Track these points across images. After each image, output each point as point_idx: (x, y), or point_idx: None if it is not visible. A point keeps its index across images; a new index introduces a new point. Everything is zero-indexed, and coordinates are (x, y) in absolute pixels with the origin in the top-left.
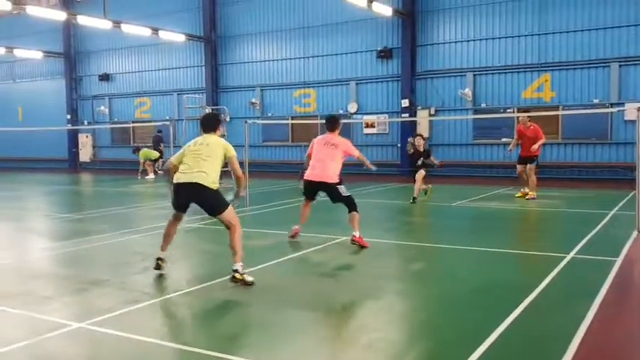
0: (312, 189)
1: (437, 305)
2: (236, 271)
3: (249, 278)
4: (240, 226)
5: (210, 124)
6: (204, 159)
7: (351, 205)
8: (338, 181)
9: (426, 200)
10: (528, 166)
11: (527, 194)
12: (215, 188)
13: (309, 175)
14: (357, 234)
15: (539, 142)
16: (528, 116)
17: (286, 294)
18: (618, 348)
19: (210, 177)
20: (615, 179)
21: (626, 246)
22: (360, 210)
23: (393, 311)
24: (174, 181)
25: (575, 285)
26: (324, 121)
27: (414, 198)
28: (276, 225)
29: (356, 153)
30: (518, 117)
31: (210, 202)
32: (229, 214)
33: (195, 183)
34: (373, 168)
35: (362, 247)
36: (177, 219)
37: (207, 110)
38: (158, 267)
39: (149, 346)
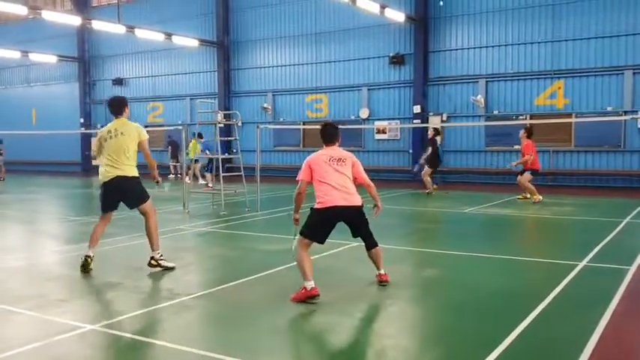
0: (332, 222)
1: (449, 312)
2: (152, 258)
3: (167, 264)
4: (155, 215)
5: (119, 106)
6: (125, 150)
7: (372, 235)
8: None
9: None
10: (524, 174)
11: (526, 197)
12: (137, 175)
13: (328, 201)
14: (383, 271)
15: (522, 160)
16: (525, 130)
17: None
18: (631, 357)
19: (133, 167)
20: (629, 187)
21: None
22: (372, 216)
23: (405, 318)
24: (101, 179)
25: (587, 293)
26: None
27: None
28: (288, 230)
29: (365, 176)
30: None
31: (136, 193)
32: (149, 204)
33: (122, 176)
34: (379, 211)
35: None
36: (107, 220)
37: (220, 115)
38: (87, 264)
39: (160, 348)
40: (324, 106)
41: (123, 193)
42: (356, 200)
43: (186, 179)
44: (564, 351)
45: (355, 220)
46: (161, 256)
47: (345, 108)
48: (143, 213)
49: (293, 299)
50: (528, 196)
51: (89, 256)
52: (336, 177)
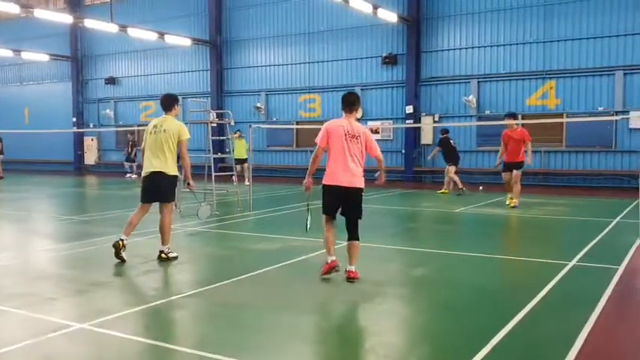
0: (336, 200)
1: (438, 310)
2: (162, 252)
3: (172, 254)
4: (172, 214)
5: (168, 103)
6: (162, 146)
7: (357, 226)
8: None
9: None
10: (515, 173)
11: (512, 201)
12: (174, 174)
13: (333, 179)
14: (354, 268)
15: (529, 147)
16: (511, 117)
17: (288, 297)
18: (618, 356)
19: (169, 163)
20: (619, 187)
21: (629, 254)
22: (364, 215)
23: (394, 316)
24: (142, 174)
25: (576, 292)
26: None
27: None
28: (280, 229)
29: (376, 149)
30: (510, 124)
31: (167, 190)
32: (171, 206)
33: (159, 172)
34: (383, 179)
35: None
36: (145, 210)
37: (213, 114)
38: (118, 246)
39: (150, 347)
40: (317, 106)
41: (157, 188)
42: (358, 182)
43: (246, 182)
44: (553, 349)
45: (352, 201)
46: (169, 249)
47: (338, 108)
48: (162, 210)
49: (322, 274)
50: (513, 200)
51: (122, 239)
52: (348, 158)
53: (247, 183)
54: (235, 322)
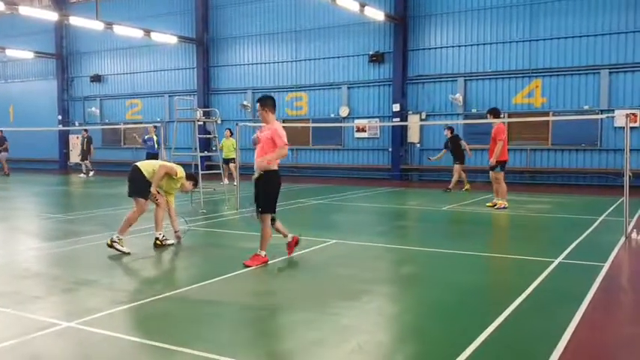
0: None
1: (425, 308)
2: (111, 238)
3: (121, 248)
4: (140, 214)
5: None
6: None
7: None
8: None
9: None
10: (492, 174)
11: (495, 204)
12: (147, 176)
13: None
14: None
15: (499, 147)
16: (491, 113)
17: (276, 296)
18: (603, 351)
19: (149, 166)
20: (604, 185)
21: (614, 251)
22: (352, 214)
23: (381, 314)
24: None
25: (562, 289)
26: (315, 124)
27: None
28: None
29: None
30: (491, 121)
31: (137, 185)
32: (141, 202)
33: (137, 167)
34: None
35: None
36: (160, 205)
37: (199, 112)
38: (160, 244)
39: (137, 345)
40: (304, 104)
41: (129, 181)
42: None
43: (226, 180)
44: (538, 346)
45: None
46: (120, 240)
47: (325, 106)
48: (135, 204)
49: (256, 264)
50: (496, 202)
51: (157, 237)
52: None
53: (227, 182)
54: (222, 320)
